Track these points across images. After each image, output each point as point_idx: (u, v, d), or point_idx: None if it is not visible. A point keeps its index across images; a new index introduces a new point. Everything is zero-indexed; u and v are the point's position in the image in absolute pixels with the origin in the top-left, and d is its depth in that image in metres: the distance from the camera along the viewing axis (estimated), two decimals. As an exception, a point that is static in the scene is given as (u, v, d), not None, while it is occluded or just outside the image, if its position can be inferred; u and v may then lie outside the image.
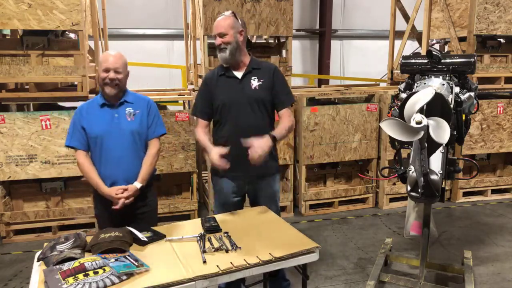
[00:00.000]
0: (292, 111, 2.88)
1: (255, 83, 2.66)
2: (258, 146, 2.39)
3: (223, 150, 2.49)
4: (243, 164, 2.61)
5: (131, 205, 2.51)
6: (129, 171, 2.55)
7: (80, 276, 1.73)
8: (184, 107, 4.74)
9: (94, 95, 2.52)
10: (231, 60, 2.63)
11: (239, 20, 2.66)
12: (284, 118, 2.71)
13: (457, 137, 2.80)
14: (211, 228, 2.25)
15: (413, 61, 3.00)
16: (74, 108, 3.74)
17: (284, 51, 4.70)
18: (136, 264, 1.85)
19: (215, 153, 2.49)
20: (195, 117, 2.82)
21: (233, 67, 2.69)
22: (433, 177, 2.37)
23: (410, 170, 2.44)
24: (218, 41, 2.62)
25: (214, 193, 2.86)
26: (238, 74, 2.68)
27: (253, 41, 4.86)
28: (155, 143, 2.67)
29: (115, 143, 2.52)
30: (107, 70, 2.48)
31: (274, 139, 2.58)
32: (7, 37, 4.38)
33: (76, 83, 4.03)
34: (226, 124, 2.68)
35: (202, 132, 2.70)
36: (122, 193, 2.47)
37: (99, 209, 2.67)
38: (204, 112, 2.73)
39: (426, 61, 2.92)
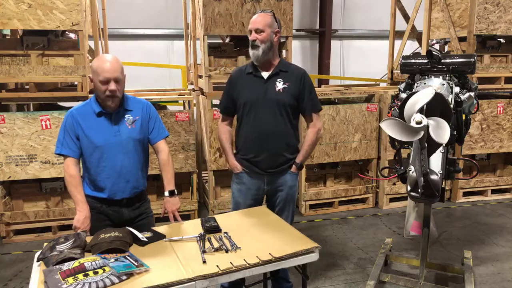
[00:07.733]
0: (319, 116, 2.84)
1: (280, 85, 2.65)
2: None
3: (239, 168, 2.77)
4: (261, 165, 2.69)
5: (129, 218, 2.49)
6: (130, 181, 2.43)
7: (80, 276, 1.73)
8: (184, 107, 4.73)
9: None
10: (262, 59, 2.62)
11: (277, 21, 2.66)
12: (309, 131, 2.79)
13: (457, 137, 2.80)
14: (211, 228, 2.25)
15: (413, 61, 3.00)
16: (74, 108, 3.74)
17: (284, 51, 4.70)
18: (136, 264, 1.85)
19: (234, 165, 2.78)
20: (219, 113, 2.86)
21: (261, 67, 2.68)
22: (433, 177, 2.37)
23: (410, 170, 2.44)
24: (253, 36, 2.59)
25: (231, 192, 2.90)
26: (265, 74, 2.67)
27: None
28: (164, 145, 2.54)
29: (116, 153, 2.36)
30: (106, 81, 2.23)
31: (301, 167, 2.77)
32: (7, 37, 4.38)
33: (76, 83, 4.03)
34: (246, 123, 2.69)
35: (226, 138, 2.81)
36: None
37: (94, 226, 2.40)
38: (227, 108, 2.79)
39: (426, 61, 2.92)
